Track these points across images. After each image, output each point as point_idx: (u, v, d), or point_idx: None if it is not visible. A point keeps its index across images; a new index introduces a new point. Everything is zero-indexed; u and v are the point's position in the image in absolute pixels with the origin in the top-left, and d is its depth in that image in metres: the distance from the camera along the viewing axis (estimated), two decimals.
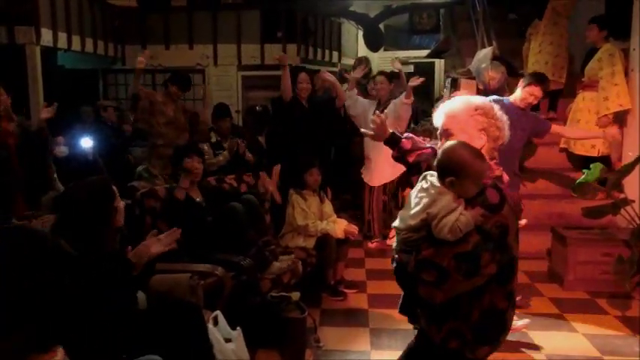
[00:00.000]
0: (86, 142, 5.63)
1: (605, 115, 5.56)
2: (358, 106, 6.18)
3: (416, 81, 5.65)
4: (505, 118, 2.21)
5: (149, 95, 5.77)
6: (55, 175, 5.08)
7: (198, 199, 4.17)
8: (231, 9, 9.55)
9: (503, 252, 1.96)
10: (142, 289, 2.85)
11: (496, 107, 2.22)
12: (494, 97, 4.50)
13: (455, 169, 1.97)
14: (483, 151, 2.10)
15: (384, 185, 6.29)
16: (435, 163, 2.06)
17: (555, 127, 4.77)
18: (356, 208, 7.39)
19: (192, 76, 8.83)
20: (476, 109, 2.15)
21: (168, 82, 5.87)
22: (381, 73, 6.49)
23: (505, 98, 4.65)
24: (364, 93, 6.67)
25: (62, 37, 7.65)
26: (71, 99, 7.36)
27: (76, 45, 8.03)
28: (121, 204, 2.79)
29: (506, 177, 2.16)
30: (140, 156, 7.01)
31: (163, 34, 9.31)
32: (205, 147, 5.87)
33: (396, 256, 2.14)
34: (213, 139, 6.09)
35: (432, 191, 2.04)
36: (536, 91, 4.41)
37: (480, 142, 2.12)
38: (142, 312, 2.79)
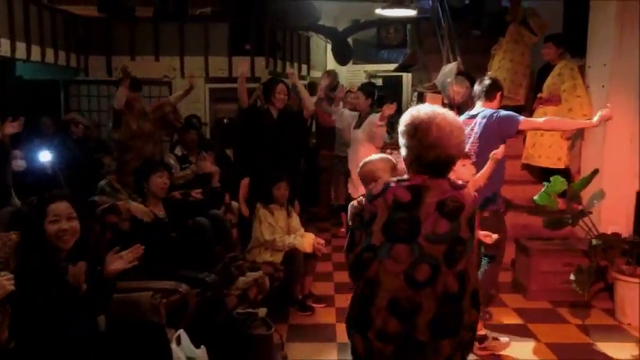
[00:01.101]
0: (45, 156, 5.51)
1: None
2: (344, 119, 6.31)
3: (390, 110, 5.76)
4: (456, 131, 2.16)
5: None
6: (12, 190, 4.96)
7: (161, 215, 4.13)
8: (198, 21, 9.53)
9: (366, 237, 2.16)
10: (102, 311, 2.78)
11: (448, 120, 2.16)
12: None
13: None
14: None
15: None
16: None
17: (524, 123, 4.34)
18: (323, 220, 7.44)
19: (159, 89, 8.87)
20: (405, 126, 2.19)
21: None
22: (359, 88, 6.59)
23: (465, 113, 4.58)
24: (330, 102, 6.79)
25: (21, 47, 7.52)
26: (30, 110, 7.23)
27: (36, 55, 7.89)
28: (53, 227, 2.63)
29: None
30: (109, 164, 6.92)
31: (129, 45, 9.23)
32: (171, 160, 5.85)
33: None
34: (179, 153, 6.06)
35: None
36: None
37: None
38: (102, 334, 2.75)
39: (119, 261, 2.62)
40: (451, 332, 2.14)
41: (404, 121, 2.19)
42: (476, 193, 2.28)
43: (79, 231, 2.70)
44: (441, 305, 2.10)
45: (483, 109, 4.39)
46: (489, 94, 4.43)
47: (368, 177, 2.82)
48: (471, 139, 4.24)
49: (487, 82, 4.48)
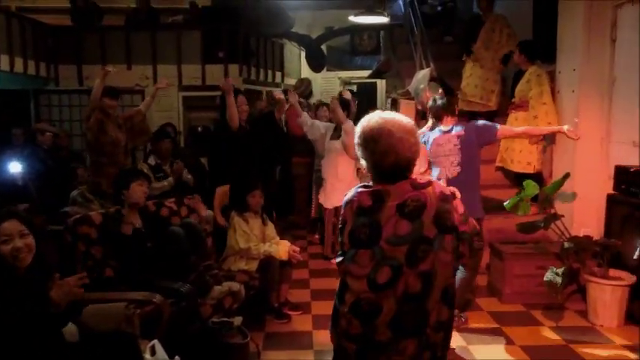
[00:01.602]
0: (15, 167, 5.45)
1: None
2: (315, 130, 6.30)
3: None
4: (407, 135, 2.19)
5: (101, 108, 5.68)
6: None
7: (137, 225, 4.09)
8: (171, 29, 9.48)
9: (341, 242, 2.28)
10: (74, 321, 2.75)
11: (399, 126, 2.20)
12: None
13: None
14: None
15: (336, 208, 6.30)
16: None
17: (502, 131, 4.56)
18: (299, 228, 7.43)
19: (131, 97, 8.79)
20: (358, 138, 2.25)
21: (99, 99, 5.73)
22: (335, 99, 6.62)
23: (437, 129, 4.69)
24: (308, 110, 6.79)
25: None
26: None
27: (5, 65, 7.80)
28: (19, 243, 2.58)
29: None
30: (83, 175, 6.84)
31: (100, 53, 9.14)
32: (145, 170, 5.79)
33: None
34: (153, 162, 6.02)
35: None
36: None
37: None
38: (74, 345, 2.71)
39: (63, 288, 2.58)
40: (414, 332, 2.15)
41: (356, 133, 2.25)
42: (450, 189, 2.27)
43: (34, 246, 2.64)
44: (401, 305, 2.12)
45: (452, 124, 4.55)
46: (452, 108, 4.60)
47: None
48: (454, 153, 4.43)
49: (443, 100, 4.62)
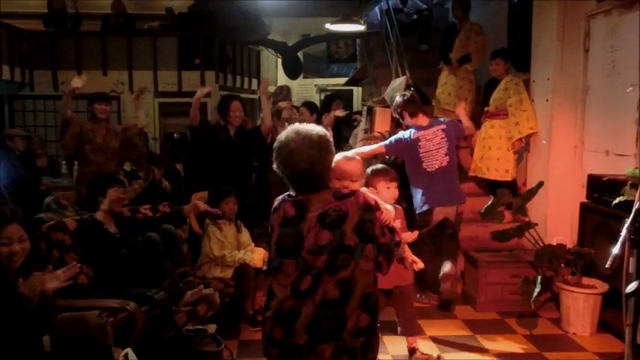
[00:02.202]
0: None
1: (519, 138, 5.84)
2: None
3: (329, 119, 6.27)
4: (299, 148, 2.26)
5: (79, 122, 5.55)
6: None
7: (112, 230, 4.05)
8: (147, 35, 9.43)
9: (269, 249, 2.34)
10: (46, 331, 2.70)
11: (296, 139, 2.27)
12: (397, 137, 5.25)
13: None
14: None
15: None
16: None
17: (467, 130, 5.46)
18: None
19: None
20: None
21: (89, 105, 5.65)
22: (304, 104, 6.61)
23: (407, 133, 5.21)
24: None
25: None
26: None
27: None
28: (17, 247, 2.59)
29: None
30: (51, 186, 6.76)
31: (75, 59, 9.06)
32: (120, 176, 5.74)
33: None
34: (128, 168, 5.96)
35: None
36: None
37: None
38: (46, 354, 2.66)
39: (54, 279, 2.57)
40: (330, 336, 2.21)
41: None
42: (375, 199, 2.35)
43: (28, 251, 2.66)
44: (319, 311, 2.19)
45: (428, 121, 5.23)
46: (418, 105, 5.28)
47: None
48: (443, 145, 5.09)
49: (411, 97, 5.29)
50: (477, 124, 6.18)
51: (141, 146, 6.12)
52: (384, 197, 3.37)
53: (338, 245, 2.18)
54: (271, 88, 10.49)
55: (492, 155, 5.97)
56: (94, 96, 5.65)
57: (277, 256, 2.26)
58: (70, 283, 2.65)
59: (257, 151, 6.05)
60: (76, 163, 6.48)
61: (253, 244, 4.98)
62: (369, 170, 3.77)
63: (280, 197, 2.35)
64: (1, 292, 2.47)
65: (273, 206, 2.34)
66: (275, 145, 2.30)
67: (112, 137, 5.65)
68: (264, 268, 2.38)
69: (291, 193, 2.32)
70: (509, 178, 5.88)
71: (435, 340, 4.50)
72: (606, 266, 2.99)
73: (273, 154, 2.29)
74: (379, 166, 3.96)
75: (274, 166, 2.31)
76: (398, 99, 5.26)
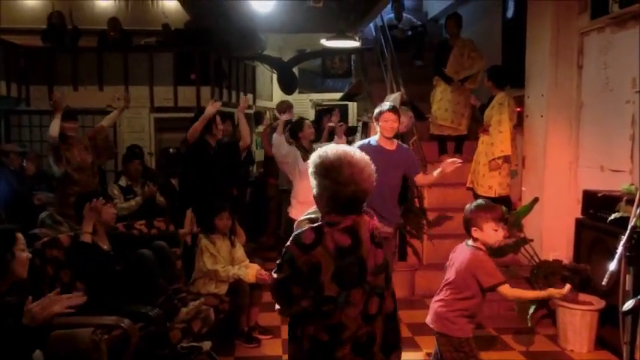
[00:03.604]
0: None
1: (493, 159, 5.82)
2: (283, 152, 5.83)
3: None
4: (366, 167, 2.21)
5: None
6: None
7: (105, 247, 4.02)
8: (143, 51, 9.45)
9: (316, 290, 2.12)
10: (40, 347, 2.69)
11: (357, 158, 2.21)
12: (360, 142, 5.04)
13: None
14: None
15: None
16: None
17: (419, 177, 5.04)
18: (270, 249, 7.38)
19: (102, 119, 8.68)
20: (315, 167, 2.21)
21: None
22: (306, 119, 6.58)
23: (372, 139, 4.96)
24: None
25: None
26: None
27: None
28: (23, 255, 2.69)
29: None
30: (46, 200, 6.72)
31: (72, 74, 9.06)
32: (115, 191, 5.74)
33: None
34: (124, 183, 5.95)
35: None
36: (390, 116, 4.77)
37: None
38: None
39: (59, 303, 2.54)
40: (395, 347, 2.28)
41: (313, 162, 2.23)
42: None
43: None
44: (385, 327, 2.23)
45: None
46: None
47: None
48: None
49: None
50: (474, 140, 6.20)
51: (111, 147, 6.11)
52: (490, 240, 3.18)
53: (387, 260, 2.25)
54: (267, 103, 10.58)
55: (480, 170, 5.98)
56: (62, 114, 5.44)
57: (342, 290, 2.12)
58: (73, 311, 2.62)
59: (233, 165, 6.04)
60: None
61: (248, 260, 4.95)
62: (471, 207, 3.27)
63: (307, 230, 2.16)
64: (6, 308, 2.47)
65: (306, 242, 2.13)
66: (328, 162, 2.17)
67: (85, 152, 5.62)
68: (319, 307, 2.15)
69: (324, 220, 2.19)
70: (492, 195, 5.75)
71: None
72: (603, 283, 2.98)
73: (326, 171, 2.16)
74: (483, 201, 3.37)
75: (319, 182, 2.18)
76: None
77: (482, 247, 3.19)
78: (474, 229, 3.17)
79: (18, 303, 2.55)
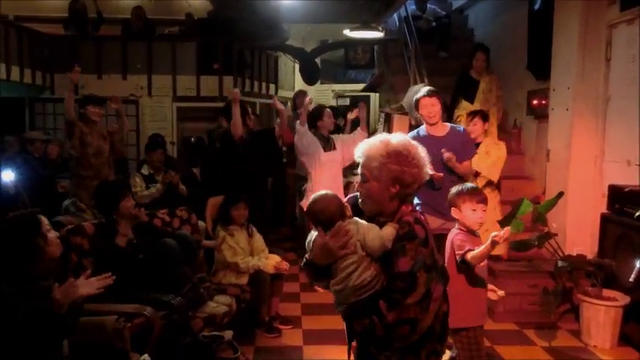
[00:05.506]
0: (7, 175, 5.41)
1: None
2: (305, 143, 5.77)
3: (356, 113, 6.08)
4: (423, 155, 2.18)
5: (79, 125, 5.55)
6: None
7: (130, 237, 4.05)
8: (166, 40, 9.48)
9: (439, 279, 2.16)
10: (70, 334, 2.71)
11: (414, 147, 2.18)
12: (410, 134, 4.61)
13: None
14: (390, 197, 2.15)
15: None
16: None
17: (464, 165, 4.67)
18: (290, 239, 7.39)
19: (125, 107, 8.75)
20: (389, 157, 2.11)
21: (82, 107, 5.66)
22: (327, 107, 6.52)
23: (421, 129, 4.74)
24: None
25: None
26: None
27: (1, 73, 7.78)
28: (52, 234, 2.73)
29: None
30: (70, 188, 6.79)
31: (95, 63, 9.12)
32: (137, 179, 5.77)
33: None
34: (146, 172, 5.99)
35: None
36: (426, 101, 4.63)
37: (391, 190, 2.12)
38: (65, 359, 2.67)
39: (87, 285, 2.58)
40: None
41: (377, 150, 2.13)
42: None
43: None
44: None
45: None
46: None
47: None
48: None
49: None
50: None
51: (123, 152, 6.17)
52: (468, 221, 3.23)
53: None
54: (289, 94, 10.56)
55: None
56: (87, 98, 5.67)
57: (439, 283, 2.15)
58: (102, 291, 2.66)
59: (269, 153, 6.07)
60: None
61: (267, 250, 4.96)
62: (454, 190, 3.36)
63: (413, 225, 2.10)
64: (36, 296, 2.49)
65: (420, 236, 2.09)
66: (410, 147, 2.14)
67: (104, 141, 5.69)
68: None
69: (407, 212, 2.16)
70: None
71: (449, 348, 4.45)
72: (630, 280, 2.94)
73: (411, 157, 2.12)
74: (468, 185, 3.42)
75: (402, 169, 2.10)
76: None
77: (463, 228, 3.28)
78: (453, 209, 3.29)
79: (50, 288, 2.58)
